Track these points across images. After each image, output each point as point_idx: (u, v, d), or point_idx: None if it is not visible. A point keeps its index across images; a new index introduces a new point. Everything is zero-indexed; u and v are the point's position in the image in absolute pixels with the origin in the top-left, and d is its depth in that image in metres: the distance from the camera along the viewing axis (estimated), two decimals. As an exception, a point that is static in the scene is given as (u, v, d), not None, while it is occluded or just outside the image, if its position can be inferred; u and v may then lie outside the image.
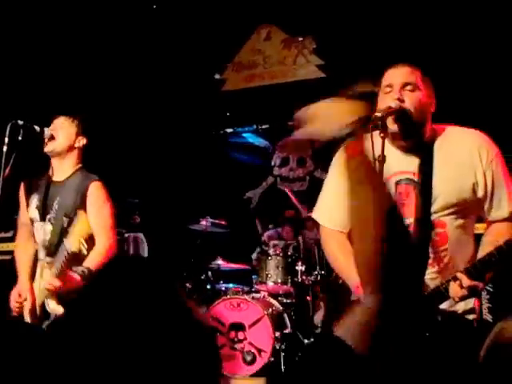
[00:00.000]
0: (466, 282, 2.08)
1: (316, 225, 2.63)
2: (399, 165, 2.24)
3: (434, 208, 2.22)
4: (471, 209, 2.28)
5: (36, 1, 5.82)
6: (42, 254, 3.23)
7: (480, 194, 2.25)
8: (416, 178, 2.25)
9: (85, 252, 3.00)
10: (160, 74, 6.94)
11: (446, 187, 2.22)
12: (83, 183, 3.17)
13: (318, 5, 6.36)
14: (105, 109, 6.29)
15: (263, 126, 7.36)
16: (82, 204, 3.13)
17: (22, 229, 3.37)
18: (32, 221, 3.27)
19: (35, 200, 3.27)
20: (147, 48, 6.80)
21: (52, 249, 3.15)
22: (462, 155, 2.25)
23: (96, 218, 3.10)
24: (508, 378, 1.17)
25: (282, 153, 7.40)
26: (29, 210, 3.29)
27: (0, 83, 5.44)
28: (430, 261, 2.23)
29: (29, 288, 3.16)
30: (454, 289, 2.11)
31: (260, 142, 7.50)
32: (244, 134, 7.55)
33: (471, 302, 2.26)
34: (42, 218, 3.21)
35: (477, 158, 2.23)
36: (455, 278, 2.11)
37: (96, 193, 3.14)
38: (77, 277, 2.97)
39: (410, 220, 2.24)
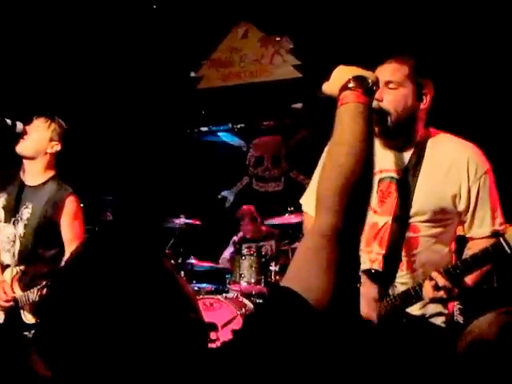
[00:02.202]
0: (442, 281, 2.04)
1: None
2: (384, 162, 2.21)
3: (411, 211, 2.19)
4: (450, 220, 2.24)
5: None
6: (7, 258, 3.17)
7: (461, 207, 2.20)
8: (398, 177, 2.22)
9: None
10: (135, 71, 6.87)
11: (426, 192, 2.19)
12: (58, 195, 3.16)
13: (295, 4, 6.36)
14: (79, 104, 6.20)
15: (238, 125, 7.32)
16: (54, 216, 3.12)
17: None
18: None
19: (2, 199, 3.21)
20: (122, 45, 6.72)
21: (25, 256, 3.12)
22: (449, 164, 2.20)
23: (69, 232, 3.14)
24: (480, 378, 1.17)
25: (256, 152, 7.38)
26: None
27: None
28: (400, 264, 2.20)
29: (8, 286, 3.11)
30: (427, 288, 2.07)
31: (235, 140, 7.48)
32: (219, 133, 7.51)
33: (439, 305, 2.23)
34: (7, 220, 3.16)
35: (464, 170, 2.17)
36: (430, 278, 2.08)
37: (71, 207, 3.16)
38: None
39: (384, 219, 2.22)
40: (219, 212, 7.07)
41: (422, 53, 5.10)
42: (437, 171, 2.21)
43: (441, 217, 2.21)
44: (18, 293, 3.10)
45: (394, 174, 2.23)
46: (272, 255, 5.50)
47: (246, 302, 5.10)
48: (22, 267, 3.12)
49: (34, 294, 3.01)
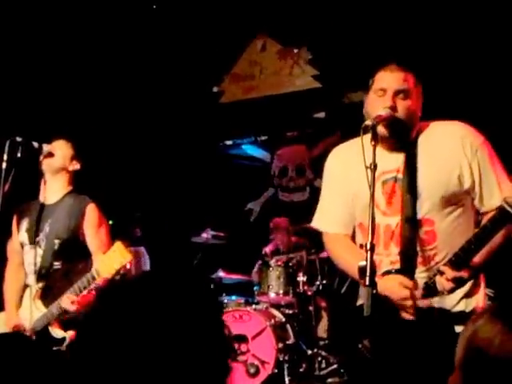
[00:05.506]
0: (450, 273, 2.09)
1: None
2: (384, 164, 2.24)
3: (420, 205, 2.21)
4: (463, 201, 2.25)
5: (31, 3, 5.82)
6: (31, 280, 3.22)
7: (466, 185, 2.22)
8: (401, 175, 2.26)
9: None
10: (158, 88, 6.97)
11: (431, 182, 2.22)
12: (78, 205, 3.21)
13: (311, 16, 6.40)
14: (103, 121, 6.30)
15: (262, 138, 7.37)
16: (76, 226, 3.16)
17: (13, 256, 3.37)
18: (22, 245, 3.27)
19: (25, 223, 3.28)
20: (144, 62, 6.83)
21: (43, 272, 3.15)
22: (445, 148, 2.24)
23: (94, 239, 3.17)
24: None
25: (280, 162, 7.40)
26: (19, 234, 3.29)
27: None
28: (420, 260, 2.22)
29: (20, 319, 3.15)
30: (441, 282, 2.12)
31: (259, 153, 7.51)
32: (243, 146, 7.56)
33: (471, 304, 2.24)
34: (32, 241, 3.22)
35: (460, 149, 2.21)
36: (441, 272, 2.12)
37: (93, 215, 3.20)
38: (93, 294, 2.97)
39: (396, 219, 2.24)
40: (246, 224, 7.10)
41: (432, 53, 5.20)
42: (435, 158, 2.25)
43: (453, 200, 2.23)
44: (42, 310, 3.13)
45: (396, 174, 2.27)
46: (301, 265, 5.48)
47: (276, 312, 5.10)
48: (40, 284, 3.16)
49: (56, 308, 3.03)
